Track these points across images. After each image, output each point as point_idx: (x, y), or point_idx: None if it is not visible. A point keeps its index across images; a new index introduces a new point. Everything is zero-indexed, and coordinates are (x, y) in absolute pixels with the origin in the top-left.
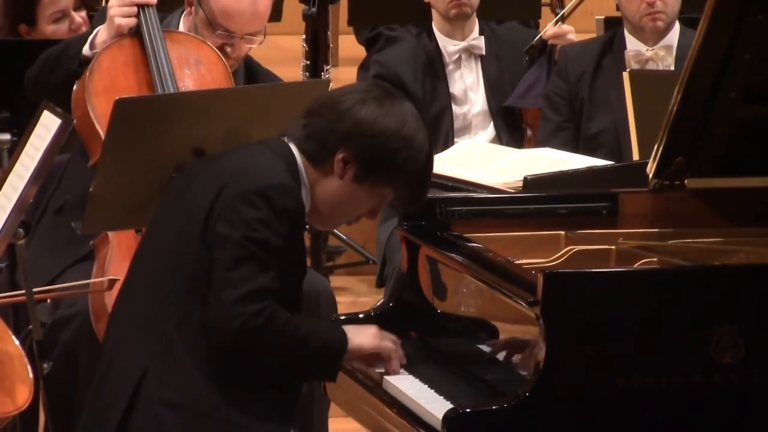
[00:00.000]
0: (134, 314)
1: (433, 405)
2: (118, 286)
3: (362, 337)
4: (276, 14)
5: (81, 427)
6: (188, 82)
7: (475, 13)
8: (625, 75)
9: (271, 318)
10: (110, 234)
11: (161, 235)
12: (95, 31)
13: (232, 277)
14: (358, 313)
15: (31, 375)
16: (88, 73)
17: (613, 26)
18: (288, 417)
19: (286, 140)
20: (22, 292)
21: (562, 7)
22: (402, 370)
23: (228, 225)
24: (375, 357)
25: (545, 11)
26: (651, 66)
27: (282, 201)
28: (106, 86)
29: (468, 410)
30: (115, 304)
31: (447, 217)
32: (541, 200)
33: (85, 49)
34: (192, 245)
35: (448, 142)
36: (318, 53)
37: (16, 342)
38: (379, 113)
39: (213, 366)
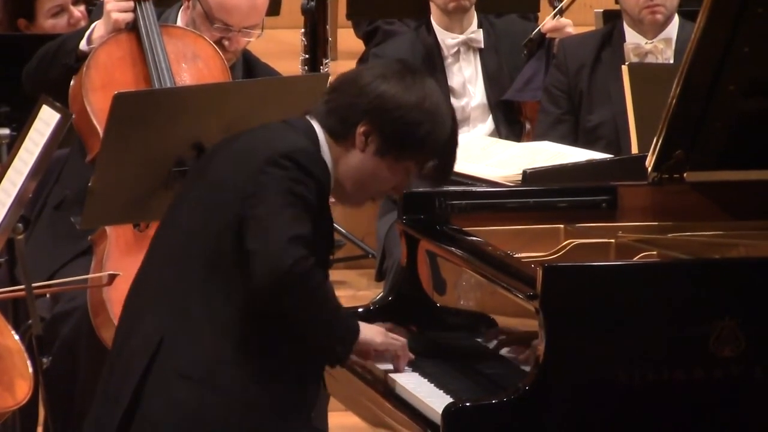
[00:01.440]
0: (153, 287)
1: (433, 399)
2: (116, 282)
3: (373, 332)
4: (275, 8)
5: (97, 398)
6: (185, 76)
7: (473, 7)
8: (624, 68)
9: (314, 270)
10: (108, 229)
11: (187, 210)
12: (92, 26)
13: (280, 221)
14: (357, 307)
15: (30, 370)
16: (85, 69)
17: (612, 19)
18: (306, 402)
19: (308, 118)
20: (22, 287)
21: (561, 0)
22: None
23: (261, 185)
24: (381, 353)
25: (544, 4)
26: (650, 59)
27: (308, 164)
28: (103, 81)
29: (468, 404)
30: (134, 282)
31: (446, 210)
32: (541, 194)
33: (83, 45)
34: (220, 213)
35: None
36: (317, 47)
37: (16, 337)
38: (400, 87)
39: (232, 340)
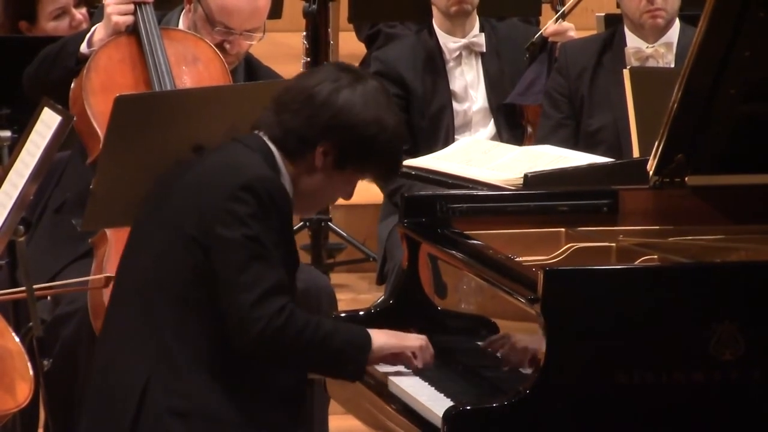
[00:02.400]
0: (128, 323)
1: (434, 402)
2: None
3: (386, 336)
4: (276, 11)
5: None
6: (186, 79)
7: (475, 10)
8: (626, 72)
9: (292, 317)
10: (108, 232)
11: (147, 245)
12: (93, 28)
13: (244, 281)
14: (358, 311)
15: (31, 372)
16: (85, 71)
17: (614, 23)
18: (296, 417)
19: (259, 134)
20: (22, 288)
21: (563, 4)
22: (402, 368)
23: (224, 226)
24: (399, 356)
25: (546, 8)
26: (651, 63)
27: (267, 191)
28: (104, 84)
29: (468, 408)
30: (107, 312)
31: (447, 214)
32: (542, 197)
33: (83, 47)
34: (184, 251)
35: (448, 140)
36: (318, 50)
37: (17, 339)
38: (354, 102)
39: (216, 370)
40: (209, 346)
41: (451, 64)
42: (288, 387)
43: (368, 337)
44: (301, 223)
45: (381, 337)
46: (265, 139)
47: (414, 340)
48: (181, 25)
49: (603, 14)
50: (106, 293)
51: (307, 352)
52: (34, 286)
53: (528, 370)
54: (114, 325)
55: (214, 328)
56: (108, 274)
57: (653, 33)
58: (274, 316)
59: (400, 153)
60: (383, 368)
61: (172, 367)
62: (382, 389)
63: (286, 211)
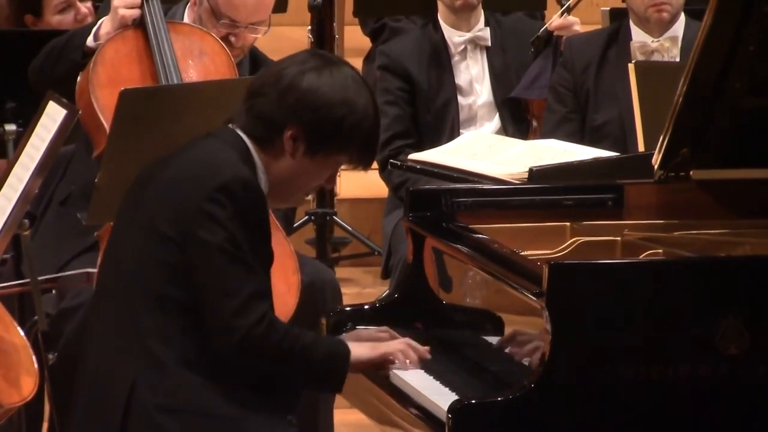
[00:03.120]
0: (110, 325)
1: (439, 396)
2: None
3: (364, 348)
4: (281, 5)
5: None
6: (192, 73)
7: (480, 4)
8: (631, 66)
9: (272, 326)
10: None
11: (125, 243)
12: (99, 22)
13: (224, 287)
14: (363, 305)
15: (35, 366)
16: (91, 65)
17: (619, 18)
18: (286, 405)
19: (232, 127)
20: (26, 280)
21: None
22: (407, 362)
23: (202, 229)
24: (381, 365)
25: (551, 2)
26: (656, 57)
27: (243, 193)
28: (110, 77)
29: (473, 402)
30: (89, 312)
31: (452, 208)
32: (547, 191)
33: (89, 41)
34: (161, 250)
35: (453, 134)
36: (323, 44)
37: (21, 333)
38: (320, 84)
39: (203, 366)
40: (193, 344)
41: (456, 58)
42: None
43: (347, 350)
44: (306, 217)
45: (359, 349)
46: (238, 131)
47: (394, 345)
48: (186, 19)
49: (608, 8)
50: None
51: (286, 361)
52: (40, 278)
53: (533, 364)
54: (97, 327)
55: (196, 327)
56: None
57: (658, 27)
58: (255, 324)
59: (373, 135)
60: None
61: (157, 366)
62: (386, 383)
63: (262, 209)
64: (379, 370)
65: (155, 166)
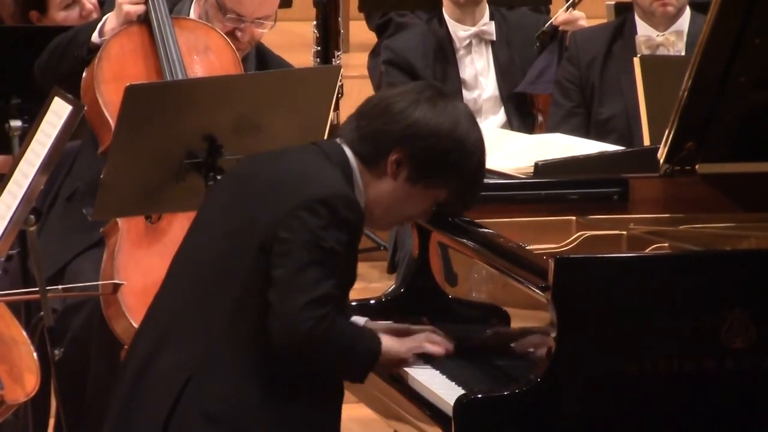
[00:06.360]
0: (179, 314)
1: (445, 391)
2: (128, 274)
3: (394, 344)
4: (287, 0)
5: (113, 425)
6: (197, 68)
7: None
8: (636, 60)
9: (332, 325)
10: (120, 221)
11: (212, 236)
12: (104, 18)
13: (300, 281)
14: (369, 299)
15: (37, 363)
16: (96, 61)
17: (624, 12)
18: (331, 428)
19: (339, 142)
20: (35, 289)
21: None
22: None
23: (292, 231)
24: (407, 360)
25: None
26: (661, 51)
27: (344, 211)
28: (115, 73)
29: (479, 396)
30: (158, 295)
31: None
32: (552, 185)
33: (94, 37)
34: (249, 252)
35: None
36: (329, 39)
37: (22, 330)
38: (433, 114)
39: (258, 383)
40: (257, 360)
41: (461, 52)
42: (325, 415)
43: (380, 346)
44: None
45: (389, 342)
46: (344, 146)
47: (417, 339)
48: (192, 14)
49: (613, 3)
50: (115, 298)
51: (334, 359)
52: (39, 288)
53: (539, 359)
54: (163, 313)
55: (267, 343)
56: (116, 281)
57: (663, 21)
58: (319, 321)
59: (477, 175)
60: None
61: (217, 370)
62: (393, 378)
63: (358, 232)
64: (400, 365)
65: (253, 164)
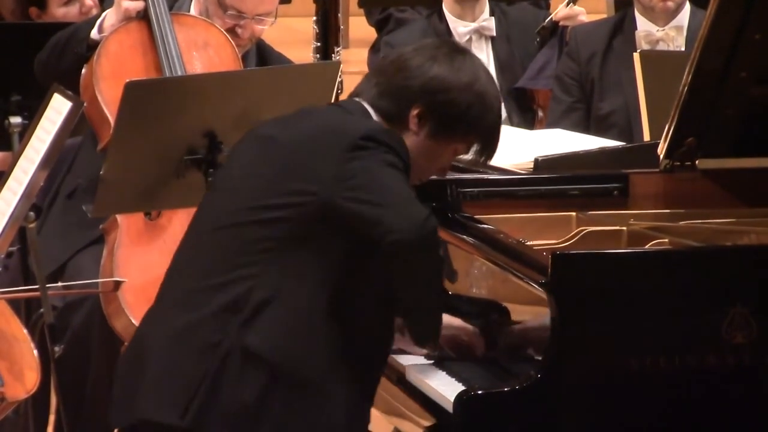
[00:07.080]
0: (209, 272)
1: (445, 387)
2: (128, 271)
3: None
4: None
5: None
6: (197, 64)
7: None
8: (636, 56)
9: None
10: (119, 218)
11: (239, 199)
12: (104, 14)
13: (404, 197)
14: None
15: (37, 360)
16: (95, 57)
17: (624, 7)
18: (369, 393)
19: (358, 100)
20: (35, 286)
21: None
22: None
23: (354, 168)
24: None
25: None
26: (662, 46)
27: (390, 140)
28: (114, 70)
29: (480, 392)
30: (172, 270)
31: (458, 198)
32: (553, 181)
33: (94, 33)
34: (293, 203)
35: None
36: (329, 35)
37: (22, 327)
38: (451, 69)
39: (308, 326)
40: (306, 303)
41: None
42: (373, 361)
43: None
44: None
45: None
46: (365, 104)
47: (470, 330)
48: (192, 10)
49: None
50: (115, 295)
51: (435, 270)
52: (38, 285)
53: (539, 355)
54: (185, 279)
55: (314, 284)
56: (117, 279)
57: (664, 16)
58: (431, 216)
59: (497, 128)
60: (394, 352)
61: (263, 310)
62: (393, 374)
63: (407, 158)
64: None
65: (275, 126)
